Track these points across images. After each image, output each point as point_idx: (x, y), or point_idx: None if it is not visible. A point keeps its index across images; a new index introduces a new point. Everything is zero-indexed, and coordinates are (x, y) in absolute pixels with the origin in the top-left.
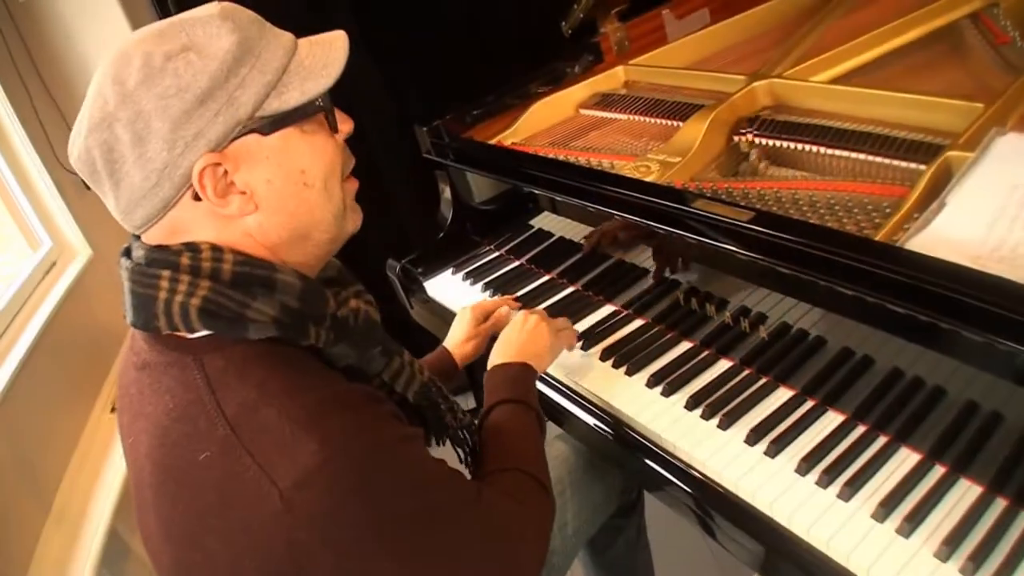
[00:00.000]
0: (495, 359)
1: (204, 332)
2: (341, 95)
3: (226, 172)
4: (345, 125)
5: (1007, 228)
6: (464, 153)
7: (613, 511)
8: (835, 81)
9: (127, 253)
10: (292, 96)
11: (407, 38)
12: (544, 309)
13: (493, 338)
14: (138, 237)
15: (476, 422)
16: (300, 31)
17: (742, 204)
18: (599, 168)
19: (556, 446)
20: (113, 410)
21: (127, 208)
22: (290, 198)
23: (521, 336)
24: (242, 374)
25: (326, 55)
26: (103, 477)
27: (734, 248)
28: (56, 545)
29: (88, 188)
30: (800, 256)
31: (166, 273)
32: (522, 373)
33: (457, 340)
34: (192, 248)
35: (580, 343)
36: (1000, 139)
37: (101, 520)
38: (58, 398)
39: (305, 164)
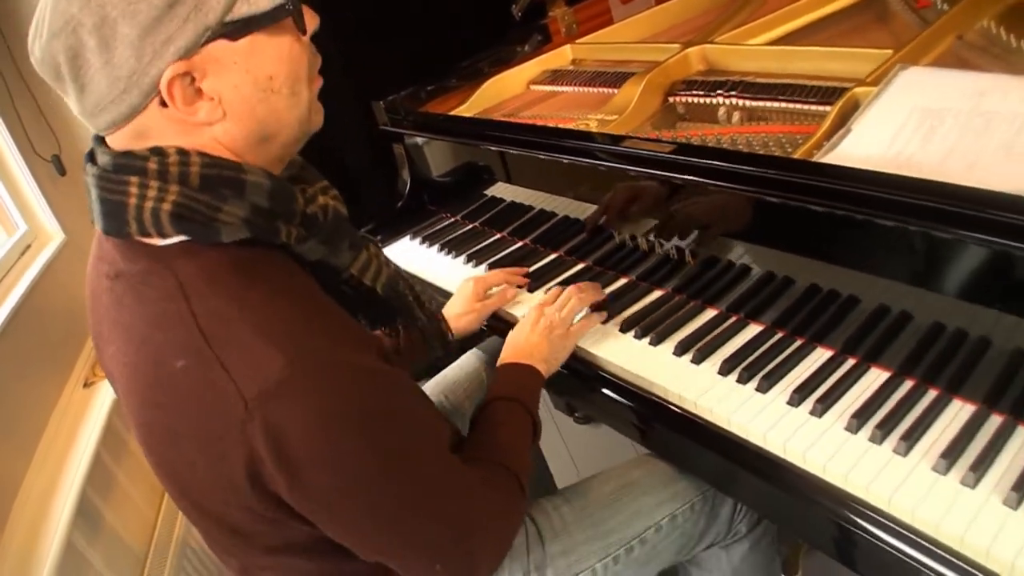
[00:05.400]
0: (507, 355)
1: (177, 239)
2: None
3: (194, 80)
4: (312, 21)
5: (905, 142)
6: (419, 123)
7: None
8: (770, 44)
9: (91, 158)
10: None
11: (367, 19)
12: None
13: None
14: (102, 140)
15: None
16: None
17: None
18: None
19: None
20: (86, 385)
21: (92, 112)
22: (257, 104)
23: (532, 338)
24: (217, 283)
25: None
26: (75, 449)
27: (658, 173)
28: (28, 512)
29: (62, 175)
30: (715, 174)
31: (134, 179)
32: (529, 377)
33: (454, 312)
34: (159, 153)
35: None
36: (903, 72)
37: (72, 488)
38: (31, 374)
39: (273, 70)
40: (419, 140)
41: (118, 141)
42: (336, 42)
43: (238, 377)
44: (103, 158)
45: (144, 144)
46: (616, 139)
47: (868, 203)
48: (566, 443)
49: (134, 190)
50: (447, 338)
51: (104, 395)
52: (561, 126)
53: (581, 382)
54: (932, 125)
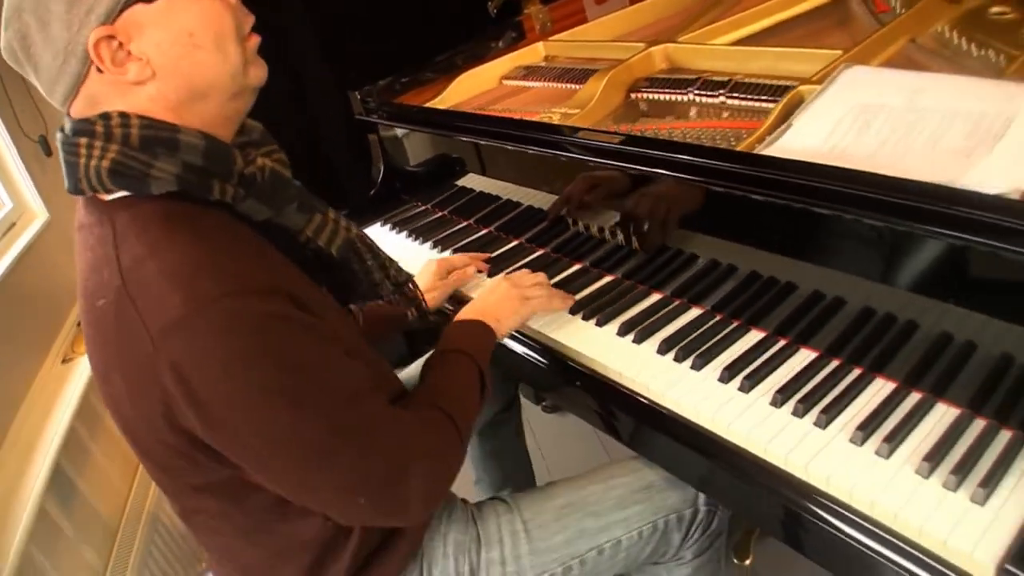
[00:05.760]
0: (463, 313)
1: (119, 194)
2: (287, 60)
3: (121, 44)
4: None
5: (841, 135)
6: (392, 114)
7: (497, 409)
8: (731, 45)
9: (62, 128)
10: None
11: (347, 13)
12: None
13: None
14: (69, 114)
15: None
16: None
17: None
18: None
19: None
20: (65, 361)
21: (49, 87)
22: (182, 60)
23: (489, 299)
24: (142, 230)
25: None
26: (51, 421)
27: (607, 162)
28: (2, 478)
29: (48, 156)
30: (658, 163)
31: (84, 140)
32: (479, 331)
33: None
34: (105, 117)
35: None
36: (846, 71)
37: (46, 457)
38: (11, 349)
39: (192, 26)
40: (393, 130)
41: (77, 110)
42: (319, 35)
43: (144, 315)
44: (66, 126)
45: (96, 111)
46: (571, 130)
47: (801, 192)
48: (534, 432)
49: (83, 151)
50: (420, 304)
51: (82, 371)
52: (526, 119)
53: (530, 360)
54: (867, 120)
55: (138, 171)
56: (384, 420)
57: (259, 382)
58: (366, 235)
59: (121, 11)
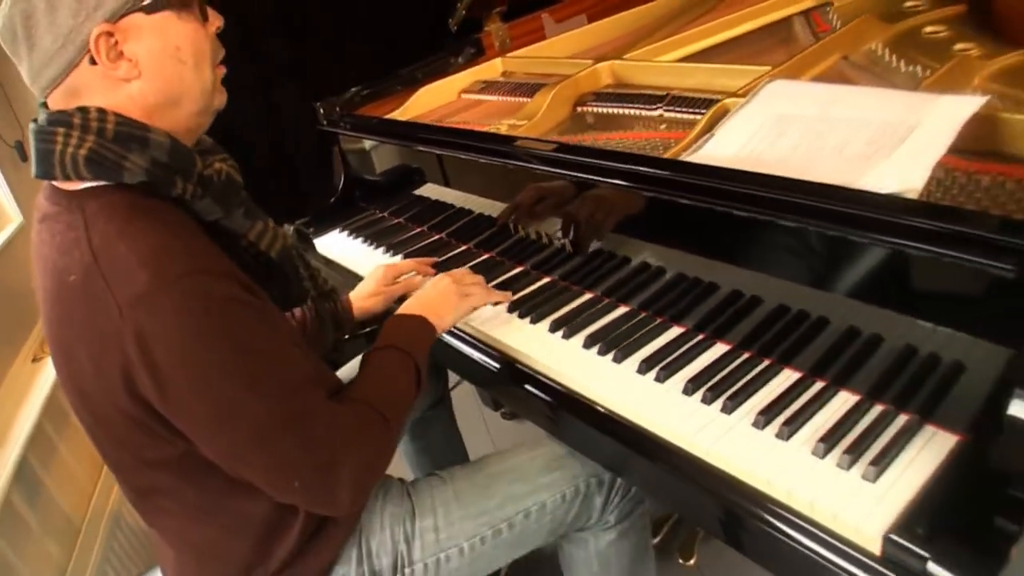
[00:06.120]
0: (404, 308)
1: (89, 184)
2: (260, 69)
3: (117, 42)
4: (216, 20)
5: (757, 143)
6: (353, 125)
7: (425, 405)
8: (681, 61)
9: (35, 120)
10: None
11: (317, 30)
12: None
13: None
14: (44, 105)
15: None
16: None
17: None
18: None
19: None
20: (35, 360)
21: (38, 70)
22: (166, 68)
23: (430, 294)
24: (111, 215)
25: None
26: (18, 419)
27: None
28: None
29: (24, 161)
30: (592, 169)
31: (61, 130)
32: (416, 326)
33: (362, 293)
34: (83, 110)
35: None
36: (769, 84)
37: (13, 452)
38: None
39: (180, 42)
40: (356, 141)
41: (54, 102)
42: (290, 48)
43: (114, 288)
44: (41, 116)
45: (74, 104)
46: (509, 139)
47: (713, 193)
48: (493, 440)
49: (60, 139)
50: (341, 317)
51: (51, 370)
52: (472, 129)
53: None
54: (782, 129)
55: (113, 161)
56: (321, 412)
57: (214, 359)
58: (300, 247)
59: (124, 14)
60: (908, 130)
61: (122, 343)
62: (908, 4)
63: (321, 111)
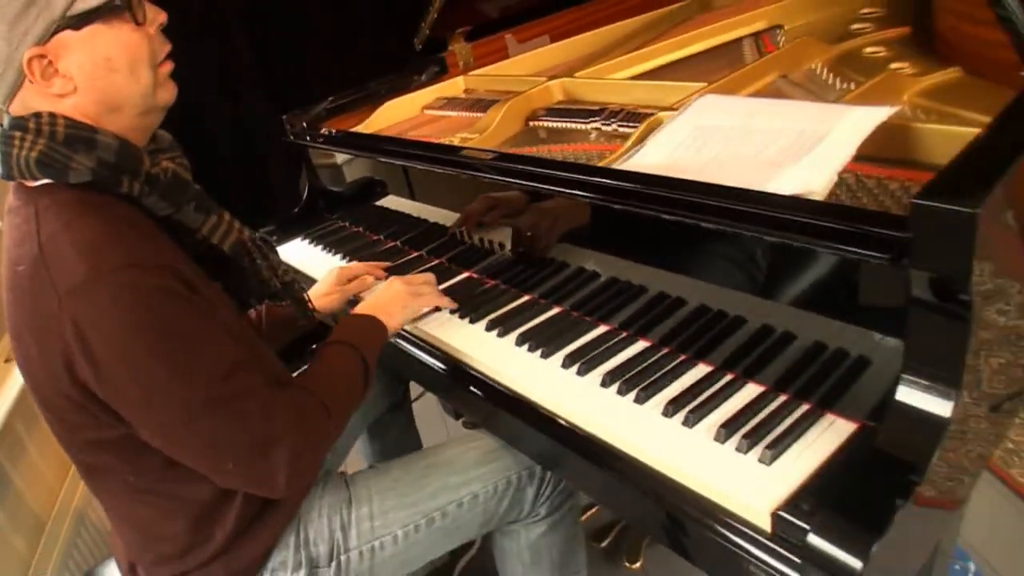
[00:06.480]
0: (355, 310)
1: (43, 181)
2: (229, 86)
3: (50, 62)
4: (159, 16)
5: (682, 151)
6: (318, 137)
7: (384, 408)
8: (633, 79)
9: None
10: None
11: (287, 46)
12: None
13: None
14: (9, 112)
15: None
16: (191, 38)
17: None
18: None
19: None
20: (7, 360)
21: None
22: (99, 80)
23: (383, 296)
24: (59, 211)
25: None
26: None
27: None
28: None
29: None
30: (527, 176)
31: (18, 134)
32: (367, 324)
33: (317, 292)
34: (36, 116)
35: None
36: (699, 99)
37: None
38: None
39: (110, 52)
40: (319, 154)
41: (14, 109)
42: (260, 63)
43: (55, 278)
44: (5, 121)
45: (30, 112)
46: (455, 149)
47: (641, 198)
48: None
49: (16, 142)
50: (305, 304)
51: None
52: (423, 140)
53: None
54: (705, 139)
55: (60, 163)
56: (255, 396)
57: (143, 344)
58: (263, 239)
59: (53, 34)
60: (819, 139)
61: (62, 330)
62: (855, 27)
63: (288, 125)
